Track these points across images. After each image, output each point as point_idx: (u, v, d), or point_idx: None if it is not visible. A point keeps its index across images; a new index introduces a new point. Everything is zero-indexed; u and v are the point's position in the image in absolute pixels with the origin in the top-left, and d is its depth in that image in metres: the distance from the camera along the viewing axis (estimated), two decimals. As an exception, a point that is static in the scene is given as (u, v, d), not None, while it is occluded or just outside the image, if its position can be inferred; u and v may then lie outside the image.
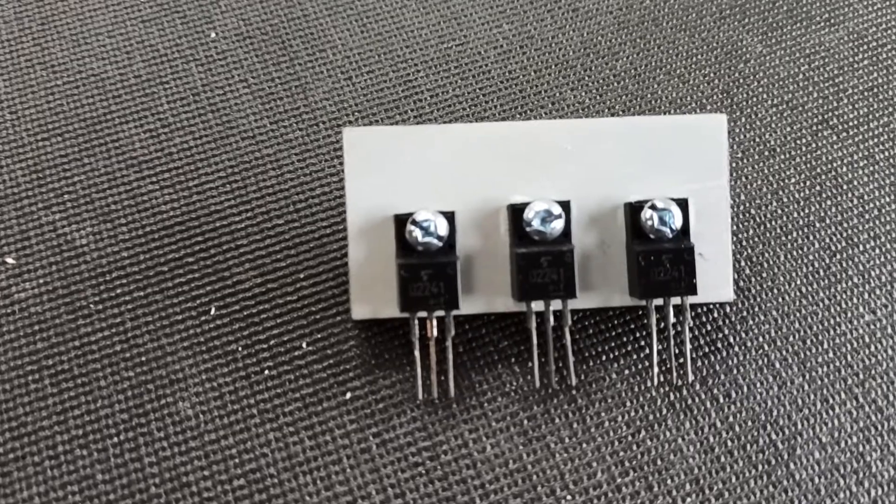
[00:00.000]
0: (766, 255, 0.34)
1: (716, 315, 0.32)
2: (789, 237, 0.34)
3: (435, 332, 0.30)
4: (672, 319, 0.30)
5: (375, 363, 0.31)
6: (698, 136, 0.31)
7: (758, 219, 0.35)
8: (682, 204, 0.30)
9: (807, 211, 0.35)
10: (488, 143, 0.30)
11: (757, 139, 0.37)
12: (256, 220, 0.34)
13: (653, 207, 0.30)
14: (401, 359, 0.31)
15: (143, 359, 0.31)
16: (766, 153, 0.36)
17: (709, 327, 0.32)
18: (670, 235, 0.30)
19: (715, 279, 0.31)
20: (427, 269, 0.29)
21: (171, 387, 0.30)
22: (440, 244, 0.29)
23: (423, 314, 0.29)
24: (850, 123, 0.37)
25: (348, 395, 0.31)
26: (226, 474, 0.29)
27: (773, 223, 0.34)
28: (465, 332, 0.32)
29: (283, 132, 0.37)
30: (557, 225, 0.29)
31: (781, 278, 0.33)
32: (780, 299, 0.33)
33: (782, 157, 0.36)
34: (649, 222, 0.30)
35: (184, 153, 0.36)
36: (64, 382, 0.30)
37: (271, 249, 0.34)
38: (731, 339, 0.32)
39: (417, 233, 0.29)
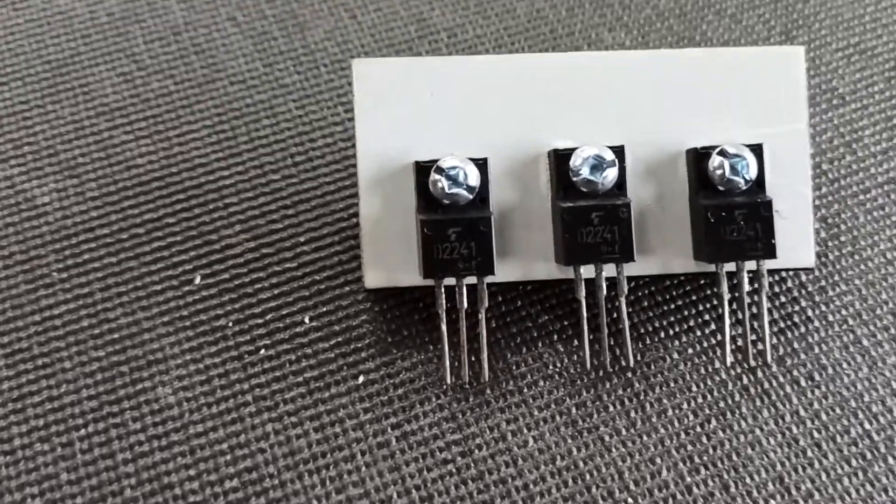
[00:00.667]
0: (844, 216, 0.29)
1: (790, 285, 0.28)
2: (868, 196, 0.29)
3: (465, 303, 0.25)
4: (746, 287, 0.25)
5: (393, 341, 0.26)
6: (772, 71, 0.26)
7: (831, 175, 0.30)
8: (757, 150, 0.25)
9: (886, 166, 0.30)
10: (525, 77, 0.25)
11: (823, 86, 0.32)
12: (248, 175, 0.29)
13: (723, 154, 0.25)
14: (423, 335, 0.26)
15: (116, 336, 0.26)
16: (836, 101, 0.31)
17: (783, 299, 0.27)
18: (743, 187, 0.25)
19: (793, 242, 0.26)
20: (455, 226, 0.24)
21: (149, 369, 0.26)
22: (470, 197, 0.24)
23: (450, 281, 0.25)
24: (931, 67, 0.32)
25: (361, 380, 0.26)
26: (215, 473, 0.24)
27: (850, 180, 0.30)
28: (497, 305, 0.27)
29: (279, 76, 0.32)
30: (610, 174, 0.25)
31: (862, 242, 0.28)
32: (863, 266, 0.28)
33: (854, 105, 0.31)
34: (718, 171, 0.25)
35: (163, 99, 0.31)
36: (21, 364, 0.26)
37: (266, 209, 0.29)
38: (810, 313, 0.27)
39: (444, 183, 0.24)
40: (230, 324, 0.27)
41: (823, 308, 0.27)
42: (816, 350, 0.27)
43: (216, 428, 0.25)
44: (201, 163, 0.30)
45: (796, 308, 0.27)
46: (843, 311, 0.27)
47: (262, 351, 0.26)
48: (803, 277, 0.28)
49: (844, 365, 0.26)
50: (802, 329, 0.27)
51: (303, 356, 0.26)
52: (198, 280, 0.27)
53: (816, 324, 0.27)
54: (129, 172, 0.29)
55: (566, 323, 0.27)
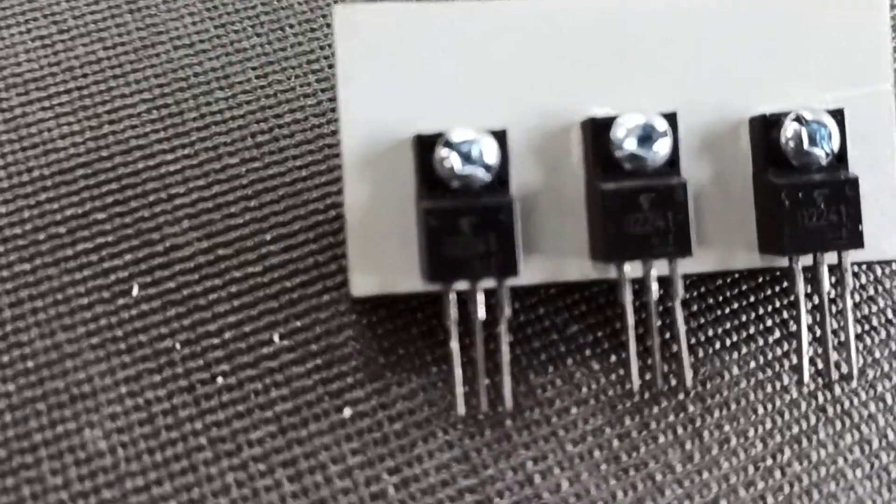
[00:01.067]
0: (917, 197, 0.24)
1: (863, 281, 0.23)
2: (941, 174, 0.25)
3: (482, 313, 0.19)
4: (825, 284, 0.21)
5: (386, 362, 0.21)
6: (848, 20, 0.21)
7: (898, 149, 0.25)
8: (838, 117, 0.20)
9: (959, 139, 0.25)
10: (554, 28, 0.20)
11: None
12: (198, 158, 0.24)
13: (799, 121, 0.20)
14: (425, 355, 0.21)
15: (31, 365, 0.21)
16: None
17: (856, 297, 0.23)
18: (823, 162, 0.20)
19: (877, 228, 0.21)
20: (469, 215, 0.19)
21: (73, 406, 0.21)
22: (488, 178, 0.19)
23: (462, 285, 0.19)
24: None
25: (347, 413, 0.20)
26: (161, 543, 0.19)
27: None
28: (515, 316, 0.22)
29: (234, 39, 0.26)
30: (662, 148, 0.20)
31: (942, 228, 0.24)
32: (946, 257, 0.23)
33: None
34: (793, 142, 0.20)
35: (90, 68, 0.25)
36: None
37: (221, 200, 0.23)
38: (891, 314, 0.22)
39: (454, 160, 0.19)
40: (178, 346, 0.21)
41: (906, 309, 0.23)
42: (901, 360, 0.22)
43: (161, 480, 0.20)
44: (138, 145, 0.24)
45: (874, 309, 0.23)
46: (929, 312, 0.23)
47: (220, 380, 0.21)
48: (878, 271, 0.23)
49: (934, 376, 0.22)
50: (883, 334, 0.22)
51: (272, 385, 0.21)
52: (136, 291, 0.22)
53: (899, 328, 0.22)
54: (46, 158, 0.24)
55: (600, 334, 0.22)
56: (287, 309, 0.22)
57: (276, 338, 0.21)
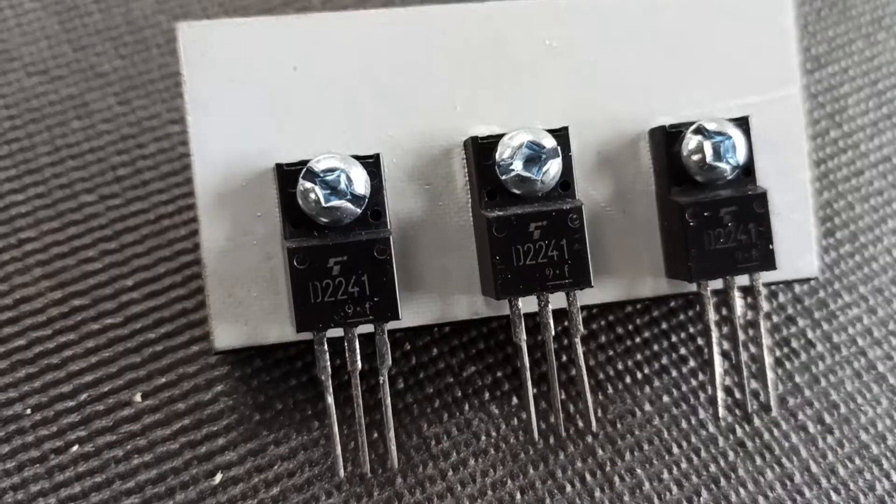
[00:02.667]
0: (836, 205, 0.23)
1: (781, 300, 0.21)
2: (861, 179, 0.23)
3: (359, 363, 0.17)
4: (738, 310, 0.19)
5: (262, 419, 0.19)
6: (752, 20, 0.20)
7: (815, 155, 0.24)
8: (743, 125, 0.19)
9: (878, 141, 0.24)
10: (429, 38, 0.18)
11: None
12: (52, 197, 0.21)
13: (700, 132, 0.18)
14: (304, 409, 0.19)
15: None
16: (809, 64, 0.25)
17: (774, 319, 0.21)
18: (728, 176, 0.18)
19: (791, 246, 0.20)
20: (339, 254, 0.17)
21: None
22: (358, 211, 0.17)
23: (336, 332, 0.17)
24: (911, 20, 0.27)
25: (218, 478, 0.18)
26: None
27: (838, 160, 0.24)
28: (404, 357, 0.20)
29: (94, 63, 0.24)
30: (552, 168, 0.18)
31: (862, 238, 0.22)
32: (868, 269, 0.22)
33: (832, 69, 0.25)
34: (696, 157, 0.18)
35: (-71, 99, 0.23)
36: None
37: (77, 243, 0.21)
38: (811, 335, 0.21)
39: (318, 193, 0.17)
40: (28, 410, 0.19)
41: (826, 327, 0.21)
42: (823, 383, 0.20)
43: (4, 572, 0.17)
44: (-17, 183, 0.21)
45: (793, 329, 0.21)
46: (850, 329, 0.21)
47: (76, 448, 0.19)
48: (797, 289, 0.21)
49: (859, 399, 0.20)
50: (803, 357, 0.21)
51: (134, 451, 0.19)
52: (-27, 352, 0.19)
53: (819, 348, 0.21)
54: None
55: (500, 374, 0.20)
56: (150, 364, 0.19)
57: (137, 397, 0.19)
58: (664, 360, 0.20)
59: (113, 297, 0.20)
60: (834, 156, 0.24)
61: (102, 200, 0.21)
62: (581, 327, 0.18)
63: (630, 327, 0.20)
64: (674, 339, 0.20)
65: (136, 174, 0.22)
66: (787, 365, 0.21)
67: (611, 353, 0.20)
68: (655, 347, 0.20)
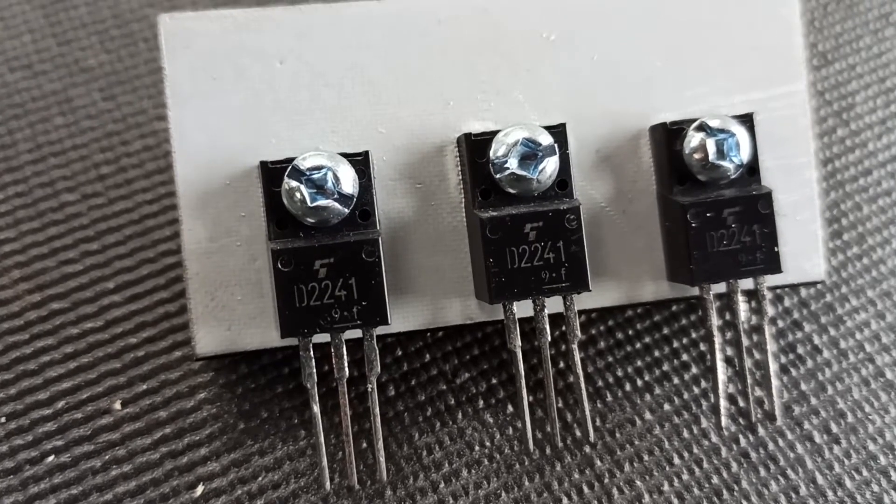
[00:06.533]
0: (844, 206, 0.22)
1: (787, 304, 0.21)
2: (870, 179, 0.23)
3: (346, 371, 0.16)
4: (742, 315, 0.18)
5: (246, 428, 0.18)
6: (757, 13, 0.19)
7: (822, 155, 0.23)
8: (747, 122, 0.18)
9: (886, 140, 0.23)
10: (422, 31, 0.18)
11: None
12: (32, 196, 0.21)
13: (703, 129, 0.18)
14: (290, 418, 0.18)
15: None
16: (816, 61, 0.25)
17: (780, 324, 0.20)
18: (732, 175, 0.18)
19: (797, 248, 0.19)
20: (325, 255, 0.16)
21: None
22: (346, 211, 0.16)
23: (322, 337, 0.16)
24: (920, 16, 0.26)
25: (200, 490, 0.17)
26: None
27: (846, 159, 0.23)
28: (395, 363, 0.19)
29: (79, 57, 0.23)
30: (549, 166, 0.17)
31: (870, 240, 0.22)
32: (875, 272, 0.21)
33: (839, 66, 0.24)
34: (698, 155, 0.18)
35: None
36: None
37: (58, 244, 0.20)
38: (817, 341, 0.20)
39: (304, 192, 0.16)
40: (2, 419, 0.18)
41: (833, 332, 0.20)
42: (830, 391, 0.20)
43: (-25, 588, 0.16)
44: (-40, 182, 0.21)
45: (798, 335, 0.20)
46: (858, 335, 0.20)
47: (52, 457, 0.18)
48: (803, 293, 0.21)
49: (867, 407, 0.20)
50: (810, 363, 0.20)
51: (112, 462, 0.18)
52: (-53, 357, 0.19)
53: (826, 355, 0.20)
54: None
55: (494, 381, 0.19)
56: (131, 370, 0.19)
57: (117, 405, 0.18)
58: (665, 367, 0.19)
59: (93, 300, 0.19)
60: (841, 155, 0.23)
61: (84, 200, 0.21)
62: (578, 333, 0.17)
63: (630, 332, 0.20)
64: (675, 344, 0.20)
65: (119, 172, 0.21)
66: (793, 372, 0.20)
67: (610, 359, 0.19)
68: (656, 353, 0.20)
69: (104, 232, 0.20)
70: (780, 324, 0.20)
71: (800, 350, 0.20)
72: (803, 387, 0.20)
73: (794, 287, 0.20)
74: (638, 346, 0.20)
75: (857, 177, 0.23)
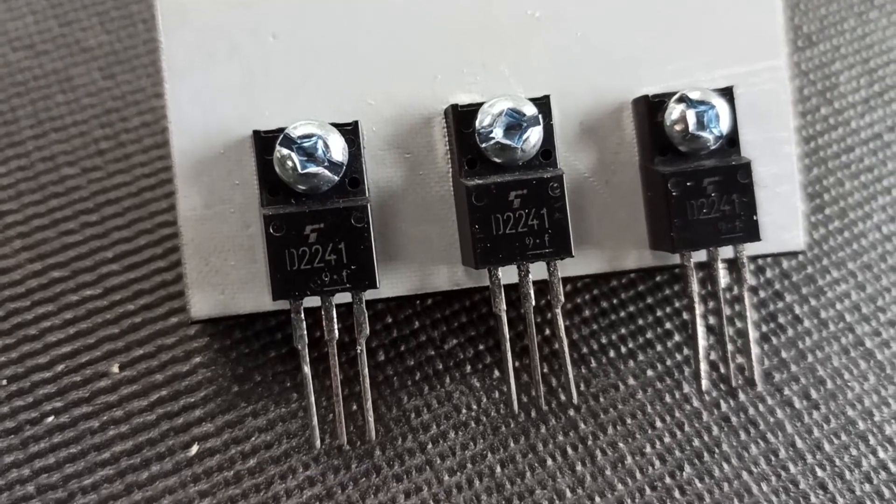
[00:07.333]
0: (826, 181, 0.23)
1: (769, 275, 0.21)
2: (852, 155, 0.23)
3: (336, 332, 0.17)
4: (722, 282, 0.19)
5: (239, 391, 0.19)
6: (737, -8, 0.19)
7: (806, 132, 0.23)
8: (727, 95, 0.18)
9: (869, 118, 0.24)
10: (406, 6, 0.18)
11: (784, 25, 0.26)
12: (34, 170, 0.21)
13: (684, 101, 0.18)
14: (282, 381, 0.19)
15: None
16: (801, 42, 0.25)
17: (762, 294, 0.21)
18: (712, 145, 0.18)
19: (776, 218, 0.19)
20: (316, 221, 0.17)
21: None
22: (336, 178, 0.17)
23: (313, 301, 0.17)
24: (905, -1, 0.26)
25: (194, 449, 0.18)
26: None
27: (829, 137, 0.23)
28: (385, 329, 0.19)
29: (80, 37, 0.23)
30: (533, 136, 0.17)
31: (852, 214, 0.22)
32: (857, 245, 0.22)
33: (823, 47, 0.25)
34: (679, 126, 0.18)
35: (-88, 73, 0.23)
36: None
37: (58, 215, 0.21)
38: (798, 310, 0.21)
39: (295, 159, 0.17)
40: (4, 381, 0.19)
41: (813, 302, 0.21)
42: (810, 358, 0.20)
43: (-23, 542, 0.17)
44: (-36, 156, 0.21)
45: (780, 305, 0.21)
46: (839, 305, 0.21)
47: (51, 418, 0.18)
48: (785, 264, 0.21)
49: (846, 375, 0.20)
50: (790, 332, 0.20)
51: (110, 422, 0.18)
52: (-50, 322, 0.19)
53: (807, 324, 0.21)
54: None
55: (482, 347, 0.20)
56: (128, 335, 0.19)
57: (115, 368, 0.19)
58: (649, 335, 0.20)
59: (92, 268, 0.20)
60: (824, 132, 0.23)
61: (84, 173, 0.21)
62: (562, 297, 0.18)
63: (615, 301, 0.20)
64: (659, 313, 0.20)
65: (118, 147, 0.22)
66: (774, 340, 0.20)
67: (595, 326, 0.20)
68: (640, 322, 0.20)
69: (103, 204, 0.21)
70: (762, 294, 0.21)
71: (781, 319, 0.21)
72: (784, 354, 0.20)
73: (776, 258, 0.21)
74: (622, 314, 0.20)
75: (839, 153, 0.23)
